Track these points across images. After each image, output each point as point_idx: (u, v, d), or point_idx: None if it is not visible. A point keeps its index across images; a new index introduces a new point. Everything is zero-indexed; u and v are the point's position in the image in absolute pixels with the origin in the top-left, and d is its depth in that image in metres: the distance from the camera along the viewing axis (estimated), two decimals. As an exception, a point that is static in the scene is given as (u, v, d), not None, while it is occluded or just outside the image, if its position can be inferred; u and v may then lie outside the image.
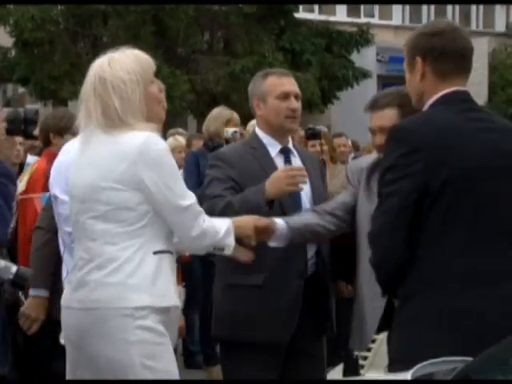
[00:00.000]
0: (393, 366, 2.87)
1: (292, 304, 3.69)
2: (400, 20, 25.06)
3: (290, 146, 3.95)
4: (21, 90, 21.83)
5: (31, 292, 4.08)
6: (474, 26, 26.55)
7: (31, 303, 4.08)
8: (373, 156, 3.84)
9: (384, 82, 20.13)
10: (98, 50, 16.48)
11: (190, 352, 7.03)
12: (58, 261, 3.93)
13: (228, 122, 6.48)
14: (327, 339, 4.04)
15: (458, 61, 2.97)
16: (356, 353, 3.70)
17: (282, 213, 3.65)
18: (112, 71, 3.10)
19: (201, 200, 3.41)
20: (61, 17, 16.40)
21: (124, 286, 3.01)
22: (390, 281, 2.96)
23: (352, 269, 3.68)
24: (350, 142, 8.10)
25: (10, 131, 2.81)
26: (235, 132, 6.10)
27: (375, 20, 22.70)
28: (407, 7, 25.17)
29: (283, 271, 3.67)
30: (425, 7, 25.20)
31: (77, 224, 3.16)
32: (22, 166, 5.09)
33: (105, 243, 3.05)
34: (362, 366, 3.67)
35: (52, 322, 3.88)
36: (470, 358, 2.43)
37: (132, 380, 3.02)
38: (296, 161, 3.91)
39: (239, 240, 3.30)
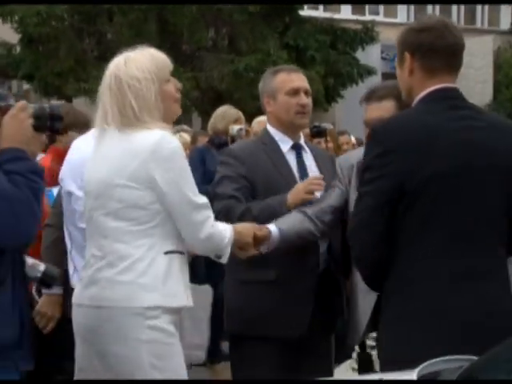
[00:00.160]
0: (384, 367, 2.89)
1: (304, 299, 3.71)
2: (405, 18, 25.03)
3: (302, 141, 3.96)
4: (25, 86, 21.84)
5: (45, 290, 4.07)
6: (479, 24, 26.53)
7: (46, 301, 4.06)
8: (362, 150, 3.85)
9: (388, 79, 20.10)
10: (102, 46, 16.54)
11: (193, 349, 7.04)
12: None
13: (235, 121, 6.51)
14: (335, 336, 4.04)
15: (447, 57, 2.96)
16: (355, 352, 3.72)
17: None
18: (127, 70, 3.12)
19: (211, 198, 3.42)
20: (66, 13, 16.40)
21: (135, 286, 3.02)
22: (371, 277, 3.00)
23: (348, 265, 3.68)
24: (353, 140, 8.08)
25: (37, 128, 2.82)
26: (240, 129, 6.12)
27: (380, 18, 22.68)
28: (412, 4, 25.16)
29: (296, 267, 3.69)
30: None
31: (90, 220, 3.18)
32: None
33: (116, 241, 3.06)
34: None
35: (64, 320, 3.87)
36: (474, 357, 2.43)
37: (137, 380, 3.03)
38: (308, 157, 3.93)
39: (240, 245, 3.33)
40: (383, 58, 23.17)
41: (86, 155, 3.33)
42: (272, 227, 3.52)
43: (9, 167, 2.69)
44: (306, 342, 3.76)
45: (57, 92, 16.91)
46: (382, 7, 24.46)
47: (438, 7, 25.27)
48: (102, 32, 16.64)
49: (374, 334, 3.74)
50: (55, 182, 4.12)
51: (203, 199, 3.13)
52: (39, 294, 4.12)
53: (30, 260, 2.94)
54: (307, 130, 6.37)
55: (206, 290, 3.52)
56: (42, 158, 5.00)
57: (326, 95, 17.06)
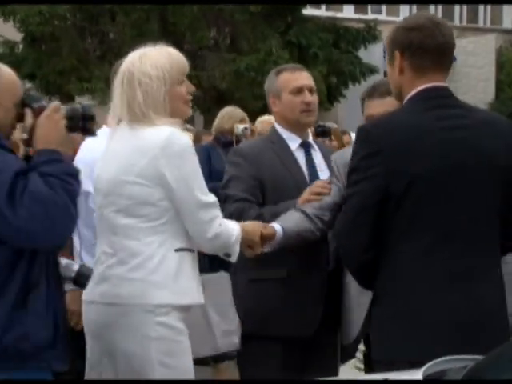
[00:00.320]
0: (377, 367, 2.90)
1: (315, 298, 3.71)
2: (407, 17, 25.01)
3: (311, 139, 3.97)
4: (27, 85, 21.86)
5: (67, 287, 4.05)
6: (481, 23, 26.51)
7: (72, 297, 3.96)
8: None
9: (391, 78, 20.08)
10: (104, 46, 16.55)
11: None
12: None
13: (241, 121, 6.60)
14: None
15: (437, 56, 2.94)
16: (359, 352, 3.72)
17: None
18: (141, 66, 3.13)
19: (219, 195, 3.43)
20: (68, 12, 16.42)
21: (146, 283, 3.02)
22: (360, 277, 3.02)
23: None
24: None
25: (70, 128, 2.82)
26: (246, 128, 6.16)
27: (382, 16, 22.66)
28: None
29: (306, 264, 3.68)
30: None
31: (101, 218, 3.19)
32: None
33: (127, 238, 3.07)
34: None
35: None
36: (479, 357, 2.43)
37: (141, 380, 3.03)
38: (317, 155, 3.94)
39: (247, 244, 3.33)
40: (385, 57, 23.15)
41: (99, 154, 3.34)
42: (276, 226, 3.52)
43: (45, 169, 2.69)
44: (313, 340, 3.76)
45: (58, 91, 16.93)
46: (384, 6, 24.44)
47: (440, 6, 25.26)
48: (104, 31, 16.65)
49: None
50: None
51: (212, 198, 3.12)
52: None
53: (63, 260, 2.96)
54: (311, 129, 6.41)
55: (223, 276, 3.52)
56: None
57: (328, 95, 17.06)
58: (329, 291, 3.73)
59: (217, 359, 7.10)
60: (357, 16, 20.75)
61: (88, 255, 3.78)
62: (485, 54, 23.28)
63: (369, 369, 3.57)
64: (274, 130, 3.97)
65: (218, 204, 3.16)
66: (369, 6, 23.84)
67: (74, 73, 16.09)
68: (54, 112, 2.80)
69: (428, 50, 2.92)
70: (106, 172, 3.16)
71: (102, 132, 3.58)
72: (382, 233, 2.86)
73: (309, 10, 18.46)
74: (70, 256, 3.91)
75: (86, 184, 3.81)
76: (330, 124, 6.43)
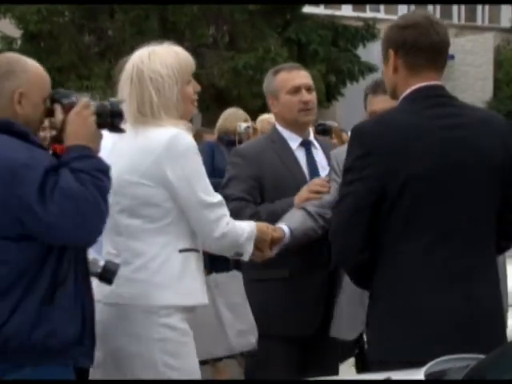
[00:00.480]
0: (374, 367, 2.89)
1: (317, 297, 3.72)
2: (405, 15, 24.98)
3: (311, 138, 3.96)
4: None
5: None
6: (479, 22, 26.49)
7: None
8: None
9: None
10: (103, 43, 16.52)
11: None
12: None
13: (244, 122, 6.60)
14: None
15: (431, 55, 2.92)
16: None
17: None
18: (150, 64, 3.11)
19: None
20: (67, 10, 16.38)
21: (150, 284, 3.02)
22: (354, 276, 3.01)
23: None
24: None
25: (99, 124, 2.83)
26: (248, 127, 6.18)
27: (381, 15, 22.60)
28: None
29: (308, 264, 3.69)
30: (430, 1, 25.15)
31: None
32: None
33: (130, 238, 3.07)
34: None
35: None
36: (481, 356, 2.44)
37: (142, 380, 3.03)
38: (318, 153, 3.94)
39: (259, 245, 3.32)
40: (383, 55, 23.13)
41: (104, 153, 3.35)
42: (284, 228, 3.52)
43: (75, 165, 2.69)
44: (314, 340, 3.77)
45: (57, 87, 16.87)
46: (382, 4, 24.42)
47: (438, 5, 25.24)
48: (103, 28, 16.62)
49: None
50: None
51: (216, 198, 3.11)
52: None
53: (89, 256, 2.94)
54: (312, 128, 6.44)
55: (236, 275, 3.50)
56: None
57: (326, 93, 17.04)
58: (329, 290, 3.74)
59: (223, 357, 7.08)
60: (355, 14, 20.72)
61: (95, 254, 3.78)
62: (483, 52, 23.26)
63: (361, 370, 3.58)
64: (274, 130, 3.97)
65: (223, 203, 3.14)
66: (367, 5, 23.82)
67: (73, 70, 16.05)
68: (84, 108, 2.80)
69: (422, 48, 2.90)
70: (111, 171, 3.17)
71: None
72: (378, 233, 2.85)
73: (307, 8, 18.43)
74: None
75: None
76: (331, 122, 6.44)
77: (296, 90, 3.84)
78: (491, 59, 23.31)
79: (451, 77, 20.57)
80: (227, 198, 3.71)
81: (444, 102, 2.93)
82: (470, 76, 22.71)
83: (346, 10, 22.27)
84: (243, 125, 6.30)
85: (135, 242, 3.06)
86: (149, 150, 3.03)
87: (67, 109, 2.81)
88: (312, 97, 3.89)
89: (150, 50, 3.17)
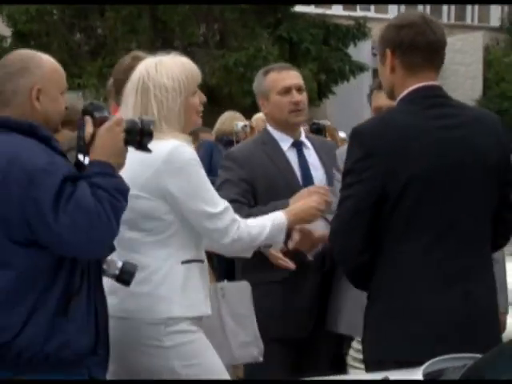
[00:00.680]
0: (371, 367, 2.90)
1: (311, 298, 3.72)
2: (396, 14, 24.97)
3: (303, 138, 3.95)
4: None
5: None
6: (469, 21, 26.52)
7: None
8: None
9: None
10: (94, 41, 16.47)
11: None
12: None
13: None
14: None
15: (428, 54, 2.93)
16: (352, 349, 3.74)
17: None
18: (157, 76, 3.10)
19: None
20: (56, 9, 16.33)
21: (153, 297, 3.01)
22: (353, 277, 3.00)
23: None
24: (344, 135, 8.12)
25: (127, 142, 2.80)
26: (245, 126, 6.20)
27: (371, 13, 22.61)
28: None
29: (302, 267, 3.67)
30: None
31: None
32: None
33: (132, 251, 3.05)
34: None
35: None
36: (478, 355, 2.45)
37: (143, 380, 3.02)
38: (310, 153, 3.92)
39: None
40: (374, 54, 23.16)
41: None
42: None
43: (96, 180, 2.66)
44: (309, 341, 3.77)
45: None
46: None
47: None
48: (93, 27, 16.57)
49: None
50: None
51: (221, 206, 3.08)
52: None
53: (107, 258, 2.92)
54: (305, 127, 6.45)
55: (244, 285, 3.49)
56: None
57: (317, 92, 17.04)
58: (324, 291, 3.75)
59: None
60: (346, 13, 20.73)
61: None
62: (472, 51, 23.30)
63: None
64: (265, 131, 3.97)
65: (230, 208, 3.12)
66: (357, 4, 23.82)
67: (64, 69, 15.97)
68: (116, 125, 2.77)
69: (419, 47, 2.90)
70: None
71: None
72: (377, 234, 2.85)
73: (299, 7, 18.42)
74: None
75: None
76: (324, 121, 6.48)
77: (286, 91, 3.83)
78: (481, 58, 23.36)
79: (441, 75, 20.45)
80: None
81: (442, 102, 2.94)
82: (459, 75, 22.74)
83: (337, 9, 22.26)
84: (240, 123, 6.33)
85: (137, 255, 3.04)
86: (148, 162, 3.01)
87: (98, 123, 2.78)
88: (303, 97, 3.87)
89: (157, 61, 3.16)
